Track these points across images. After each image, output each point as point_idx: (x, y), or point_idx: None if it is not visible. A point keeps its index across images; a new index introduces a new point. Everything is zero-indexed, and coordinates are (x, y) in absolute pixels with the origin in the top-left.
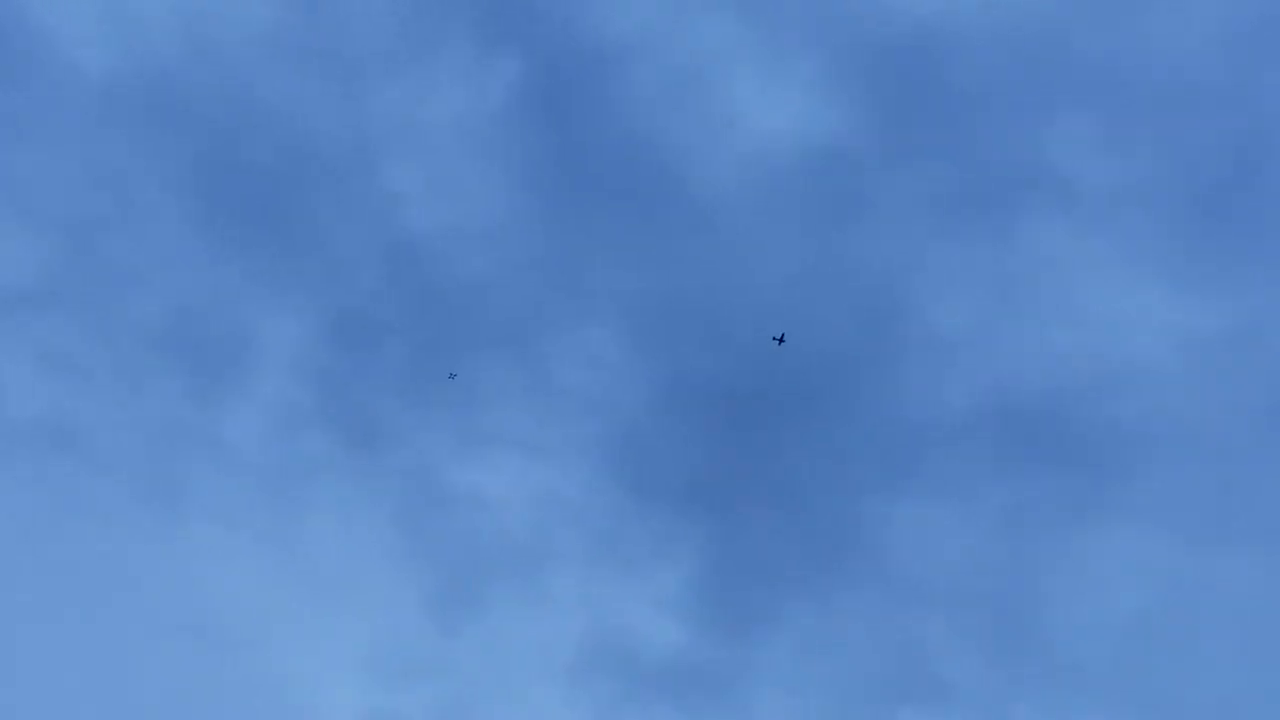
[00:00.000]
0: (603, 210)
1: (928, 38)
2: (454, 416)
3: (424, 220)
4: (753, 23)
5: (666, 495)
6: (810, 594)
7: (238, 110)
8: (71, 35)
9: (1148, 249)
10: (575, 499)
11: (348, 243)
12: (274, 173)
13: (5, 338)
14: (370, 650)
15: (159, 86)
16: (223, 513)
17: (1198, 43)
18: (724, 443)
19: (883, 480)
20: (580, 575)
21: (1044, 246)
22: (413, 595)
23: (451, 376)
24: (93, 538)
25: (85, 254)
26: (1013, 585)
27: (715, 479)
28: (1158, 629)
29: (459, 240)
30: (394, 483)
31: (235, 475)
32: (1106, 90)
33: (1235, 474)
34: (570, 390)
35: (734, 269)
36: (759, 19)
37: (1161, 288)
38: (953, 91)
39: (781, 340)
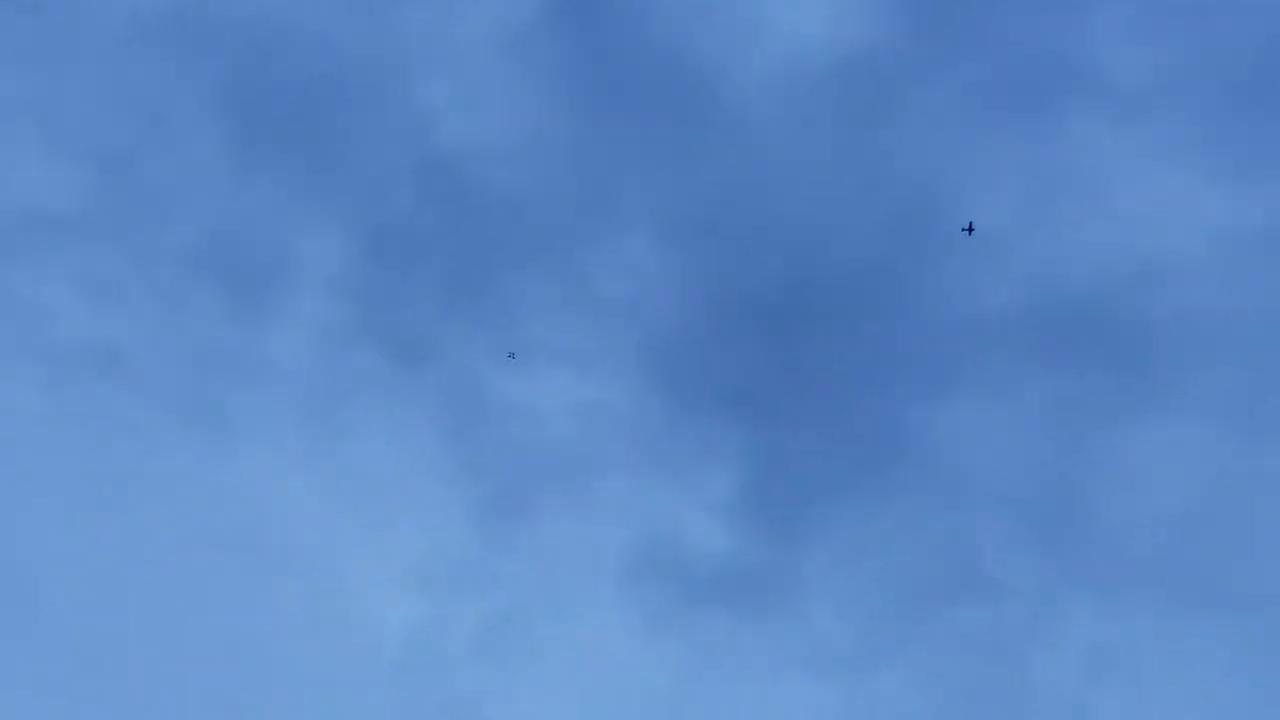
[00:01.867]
0: (636, 120)
1: None
2: (497, 330)
3: (458, 135)
4: None
5: (711, 402)
6: (857, 496)
7: (269, 30)
8: None
9: (1186, 142)
10: (620, 408)
11: (383, 160)
12: (306, 92)
13: (46, 263)
14: (420, 562)
15: (190, 9)
16: (269, 431)
17: None
18: (767, 348)
19: (926, 381)
20: (627, 484)
21: (1081, 142)
22: (460, 507)
23: (511, 356)
24: (141, 460)
25: (122, 179)
26: (1060, 481)
27: (759, 384)
28: (1204, 521)
29: (494, 154)
30: (438, 397)
31: (280, 394)
32: None
33: (1278, 365)
34: (610, 300)
35: (770, 174)
36: None
37: (1201, 180)
38: None
39: (971, 230)
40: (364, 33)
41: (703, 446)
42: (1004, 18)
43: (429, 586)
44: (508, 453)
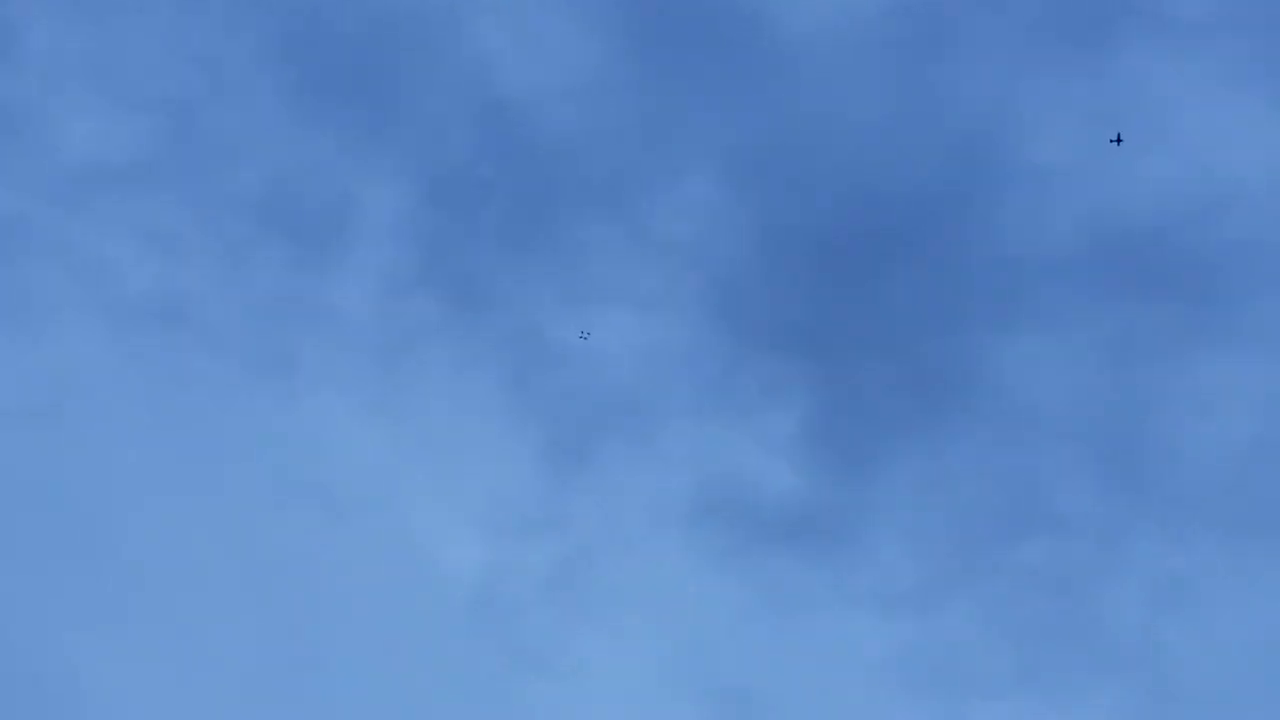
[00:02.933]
0: (692, 61)
1: None
2: (558, 273)
3: (515, 80)
4: None
5: (773, 342)
6: (922, 433)
7: None
8: None
9: (1246, 71)
10: (682, 350)
11: (441, 105)
12: (363, 39)
13: (108, 216)
14: (488, 507)
15: None
16: (336, 380)
17: None
18: (827, 287)
19: (988, 317)
20: (691, 425)
21: (1140, 73)
22: (527, 452)
23: (583, 336)
24: (210, 410)
25: (181, 130)
26: (1125, 415)
27: (821, 323)
28: (1271, 452)
29: (550, 98)
30: (502, 342)
31: (345, 343)
32: None
33: None
34: (671, 242)
35: (828, 111)
36: None
37: (1262, 109)
38: None
39: (1119, 141)
40: None
41: (766, 385)
42: None
43: (497, 531)
44: (572, 396)
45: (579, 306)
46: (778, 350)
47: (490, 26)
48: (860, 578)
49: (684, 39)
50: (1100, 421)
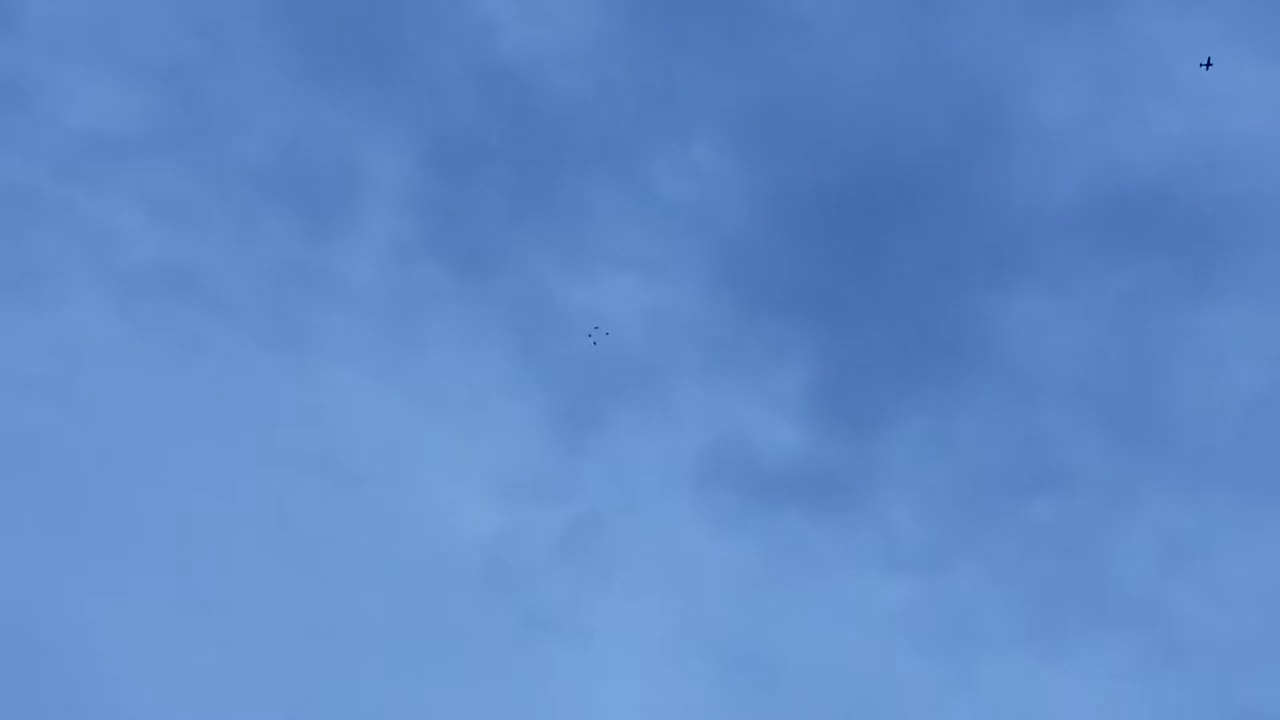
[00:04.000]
0: (695, 24)
1: None
2: (564, 238)
3: (519, 45)
4: None
5: (779, 303)
6: (928, 392)
7: None
8: None
9: (1250, 24)
10: (689, 312)
11: (444, 70)
12: (367, 6)
13: (114, 185)
14: (499, 472)
15: None
16: (345, 348)
17: None
18: (833, 247)
19: (994, 275)
20: (699, 387)
21: (1143, 30)
22: (537, 417)
23: (600, 333)
24: (218, 379)
25: (185, 98)
26: (1132, 371)
27: (827, 283)
28: (1278, 405)
29: (554, 61)
30: (510, 307)
31: (354, 310)
32: None
33: None
34: (676, 204)
35: (830, 71)
36: None
37: (1266, 63)
38: None
39: (1209, 65)
40: None
41: (773, 347)
42: None
43: (510, 495)
44: (580, 360)
45: (585, 269)
46: (784, 312)
47: None
48: (869, 537)
49: (687, 2)
50: (1107, 378)
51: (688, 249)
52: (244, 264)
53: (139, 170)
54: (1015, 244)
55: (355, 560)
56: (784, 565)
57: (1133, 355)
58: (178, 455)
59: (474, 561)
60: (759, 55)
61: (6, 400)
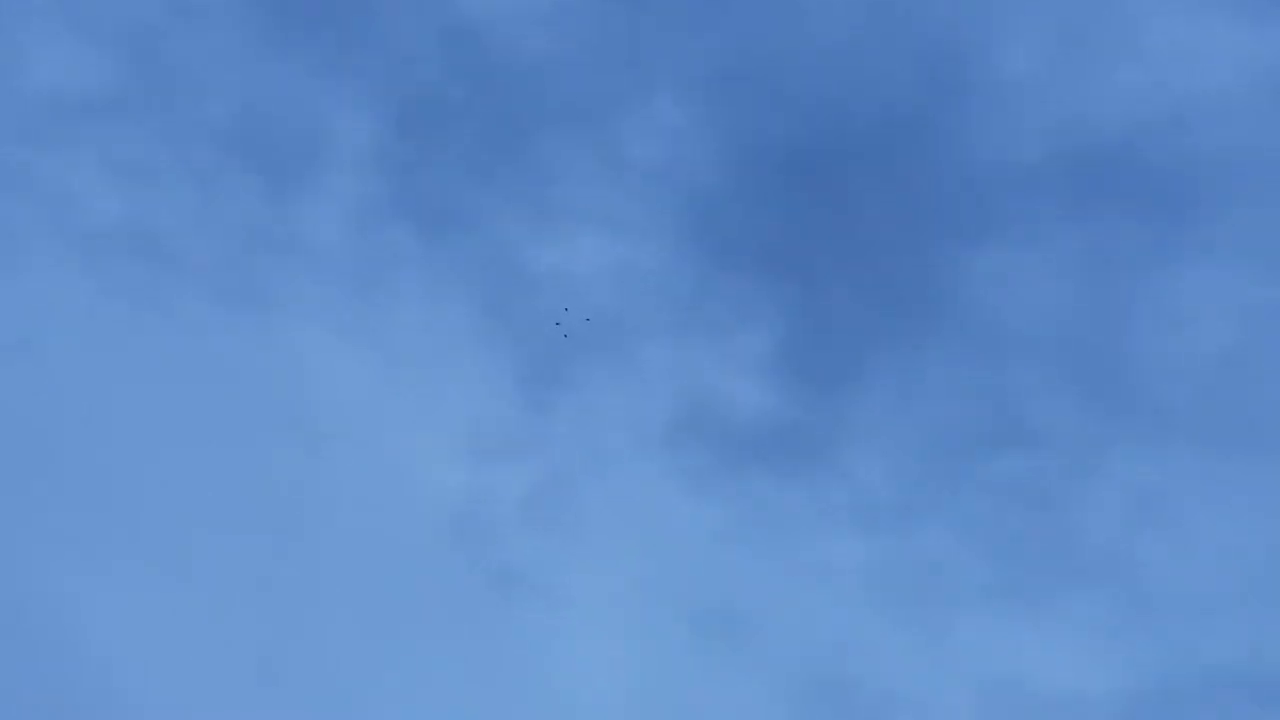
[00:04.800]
0: None
1: None
2: (529, 197)
3: (483, 2)
4: None
5: (746, 261)
6: (896, 350)
7: None
8: None
9: None
10: (656, 270)
11: (408, 30)
12: None
13: (76, 147)
14: (467, 432)
15: None
16: (310, 308)
17: None
18: (800, 204)
19: (961, 232)
20: (666, 346)
21: None
22: (504, 376)
23: (569, 316)
24: (183, 341)
25: (147, 59)
26: (1097, 328)
27: (793, 241)
28: (1245, 363)
29: (518, 20)
30: (476, 267)
31: (319, 271)
32: None
33: None
34: (642, 163)
35: (795, 28)
36: None
37: (1232, 17)
38: None
39: None
40: None
41: (740, 305)
42: None
43: (478, 454)
44: (547, 319)
45: (551, 228)
46: (750, 270)
47: None
48: (837, 495)
49: None
50: (1074, 335)
51: (654, 208)
52: (208, 225)
53: (101, 132)
54: (981, 200)
55: (323, 518)
56: (752, 523)
57: (1100, 312)
58: (143, 415)
59: (442, 519)
60: (724, 13)
61: None
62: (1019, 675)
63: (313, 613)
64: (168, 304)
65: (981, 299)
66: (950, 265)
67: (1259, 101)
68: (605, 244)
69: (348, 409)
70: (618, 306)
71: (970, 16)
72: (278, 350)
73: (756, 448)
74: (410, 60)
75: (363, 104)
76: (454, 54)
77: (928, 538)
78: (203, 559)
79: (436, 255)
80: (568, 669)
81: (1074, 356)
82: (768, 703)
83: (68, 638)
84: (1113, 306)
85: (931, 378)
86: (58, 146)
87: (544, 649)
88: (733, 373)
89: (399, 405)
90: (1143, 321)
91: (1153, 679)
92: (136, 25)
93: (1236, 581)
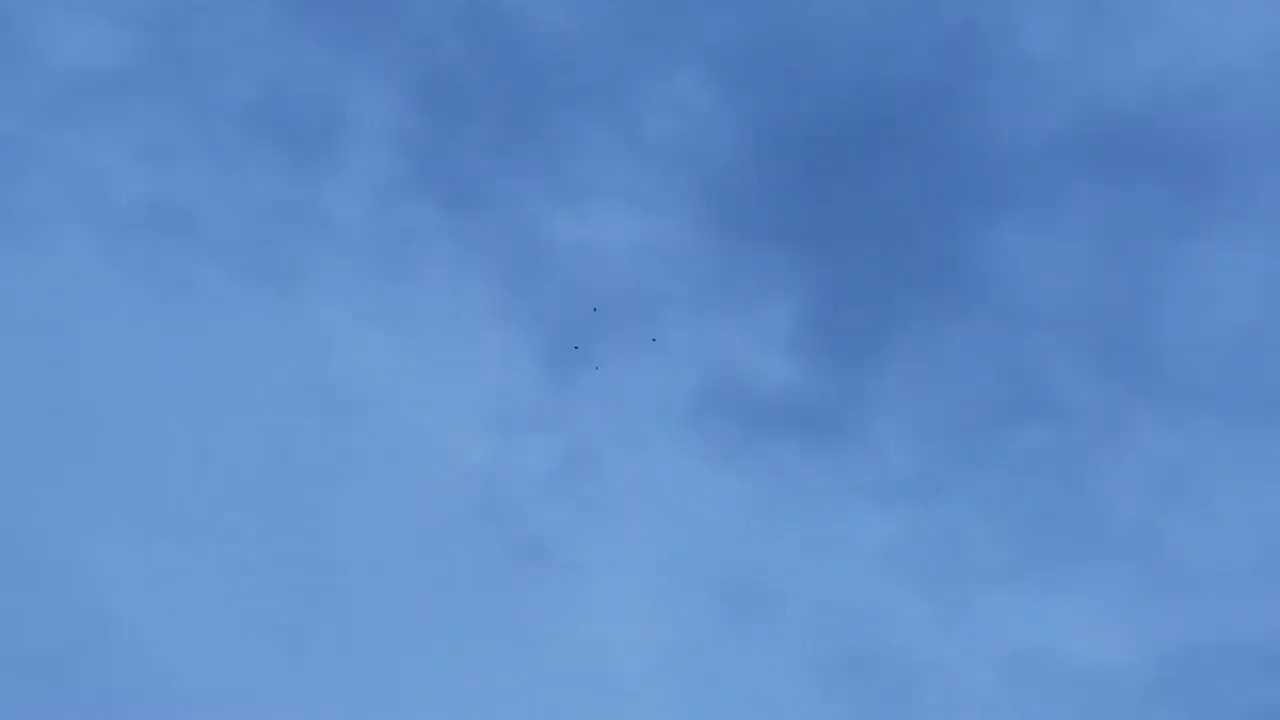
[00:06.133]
0: None
1: None
2: (550, 173)
3: None
4: None
5: (769, 236)
6: (919, 324)
7: None
8: None
9: None
10: (677, 246)
11: (429, 7)
12: None
13: (98, 125)
14: (489, 407)
15: None
16: (334, 284)
17: None
18: (821, 179)
19: (983, 205)
20: (689, 322)
21: None
22: (526, 351)
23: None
24: (209, 319)
25: (170, 37)
26: (1122, 301)
27: (815, 216)
28: (1271, 336)
29: None
30: (499, 243)
31: (342, 248)
32: None
33: None
34: (664, 139)
35: (814, 4)
36: None
37: None
38: None
39: None
40: None
41: (763, 280)
42: None
43: (501, 429)
44: (570, 295)
45: (573, 204)
46: (772, 245)
47: None
48: (861, 469)
49: None
50: (1098, 308)
51: (677, 184)
52: (232, 202)
53: (123, 110)
54: (1004, 174)
55: (348, 494)
56: (776, 497)
57: (1123, 285)
58: (170, 392)
59: (467, 494)
60: None
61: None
62: (1044, 648)
63: (337, 586)
64: (191, 280)
65: (1005, 272)
66: (974, 239)
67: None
68: (628, 220)
69: (372, 384)
70: (641, 282)
71: None
72: (302, 326)
73: (781, 422)
74: (432, 37)
75: (385, 81)
76: (476, 30)
77: (953, 511)
78: (229, 534)
79: (459, 231)
80: (593, 642)
81: (1098, 330)
82: (793, 675)
83: (95, 611)
84: (1137, 280)
85: (955, 351)
86: (80, 125)
87: (569, 622)
88: (757, 347)
89: (423, 380)
90: (1167, 294)
91: (1178, 652)
92: (158, 2)
93: (1262, 554)
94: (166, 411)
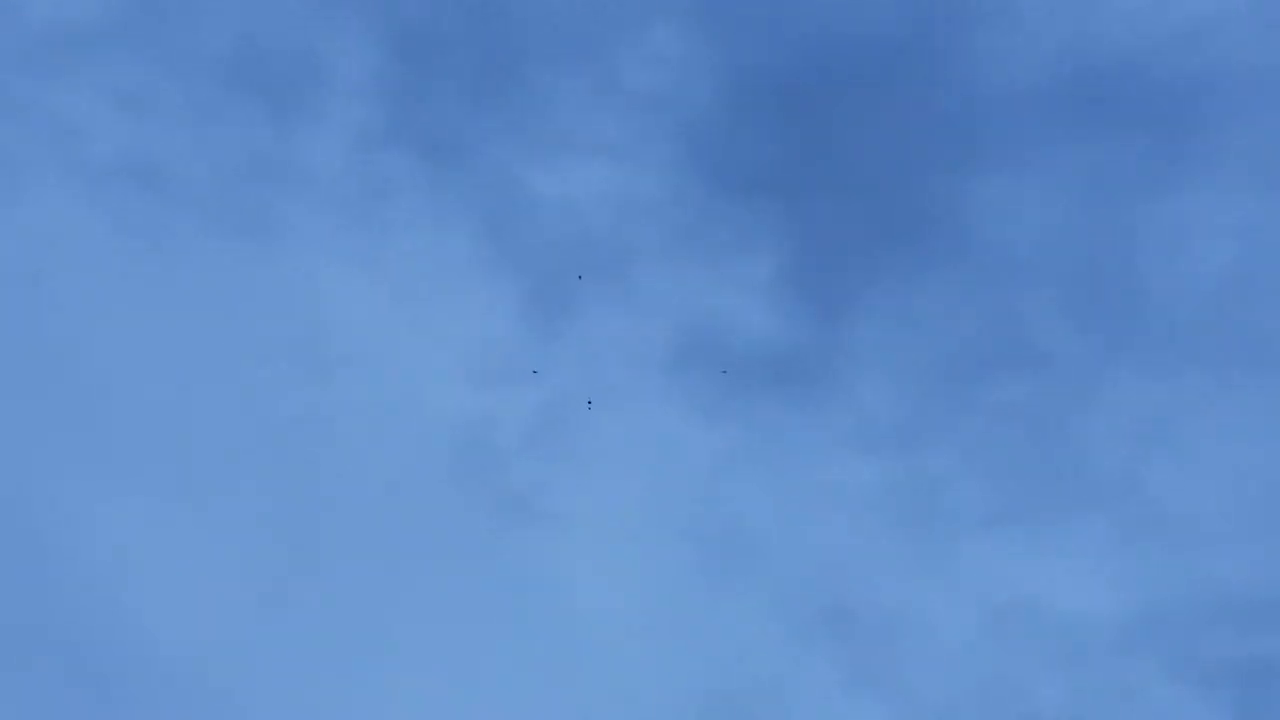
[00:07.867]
0: None
1: None
2: (529, 124)
3: None
4: None
5: (747, 187)
6: (898, 274)
7: None
8: None
9: None
10: (655, 197)
11: None
12: None
13: (76, 78)
14: (469, 358)
15: None
16: (313, 237)
17: None
18: (799, 129)
19: (962, 154)
20: (668, 273)
21: None
22: (505, 302)
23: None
24: (187, 270)
25: None
26: (1102, 250)
27: (794, 167)
28: (1251, 281)
29: None
30: (476, 194)
31: (321, 199)
32: None
33: None
34: (640, 90)
35: None
36: None
37: None
38: None
39: None
40: None
41: (742, 231)
42: None
43: (480, 380)
44: (548, 246)
45: (551, 155)
46: (751, 196)
47: None
48: (841, 419)
49: None
50: (1077, 257)
51: (653, 135)
52: (209, 154)
53: (100, 63)
54: (983, 123)
55: (329, 443)
56: (756, 447)
57: (1102, 233)
58: (150, 345)
59: (448, 444)
60: None
61: None
62: (1025, 597)
63: (320, 536)
64: (170, 232)
65: (984, 222)
66: (953, 188)
67: (1262, 21)
68: (605, 171)
69: (352, 335)
70: (618, 233)
71: None
72: (282, 277)
73: (760, 372)
74: None
75: (362, 31)
76: None
77: (933, 461)
78: (211, 486)
79: (438, 182)
80: (574, 592)
81: (1078, 279)
82: (774, 624)
83: (81, 566)
84: (1116, 228)
85: (935, 301)
86: (58, 78)
87: (551, 572)
88: (735, 298)
89: (403, 331)
90: (1146, 242)
91: (1159, 601)
92: None
93: (1243, 502)
94: (145, 362)
